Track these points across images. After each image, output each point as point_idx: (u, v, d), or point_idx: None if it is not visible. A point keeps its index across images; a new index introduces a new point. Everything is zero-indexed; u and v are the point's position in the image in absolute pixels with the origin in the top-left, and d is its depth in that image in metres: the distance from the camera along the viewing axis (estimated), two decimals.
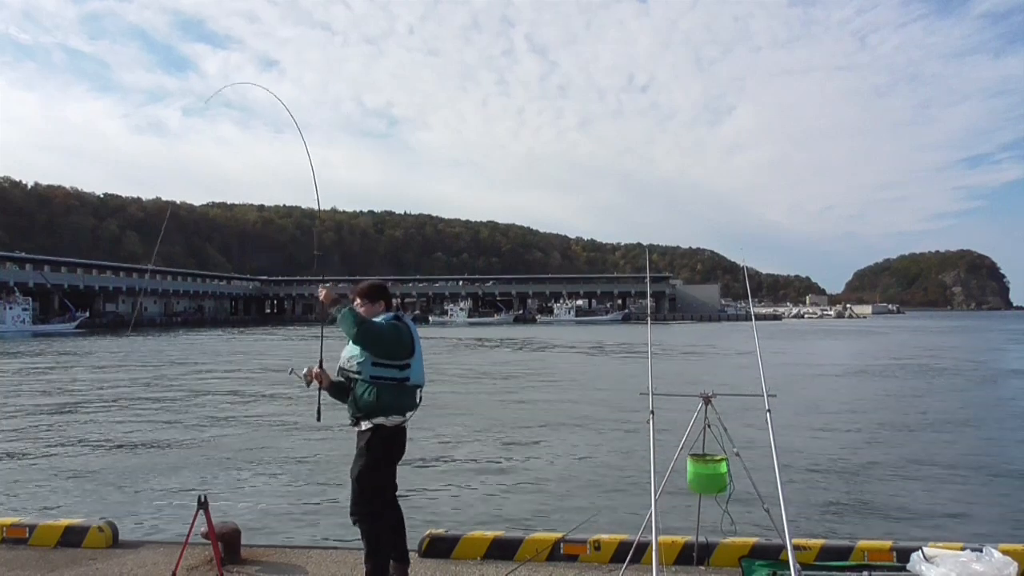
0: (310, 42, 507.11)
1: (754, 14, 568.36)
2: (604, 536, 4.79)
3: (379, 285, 4.29)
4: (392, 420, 3.90)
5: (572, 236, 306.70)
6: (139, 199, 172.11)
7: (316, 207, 4.90)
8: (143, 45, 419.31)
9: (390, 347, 3.90)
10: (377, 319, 4.03)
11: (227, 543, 4.67)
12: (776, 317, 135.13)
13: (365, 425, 3.92)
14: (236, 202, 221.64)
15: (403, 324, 4.02)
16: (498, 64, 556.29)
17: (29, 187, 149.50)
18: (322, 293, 4.01)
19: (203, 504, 4.32)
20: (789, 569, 3.38)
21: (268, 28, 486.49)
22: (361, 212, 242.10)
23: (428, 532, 4.99)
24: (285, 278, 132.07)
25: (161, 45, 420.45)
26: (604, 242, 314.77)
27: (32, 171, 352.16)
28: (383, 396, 3.88)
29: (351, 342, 3.94)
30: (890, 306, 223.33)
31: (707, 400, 4.22)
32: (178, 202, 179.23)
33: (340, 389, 4.08)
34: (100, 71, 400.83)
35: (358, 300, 4.18)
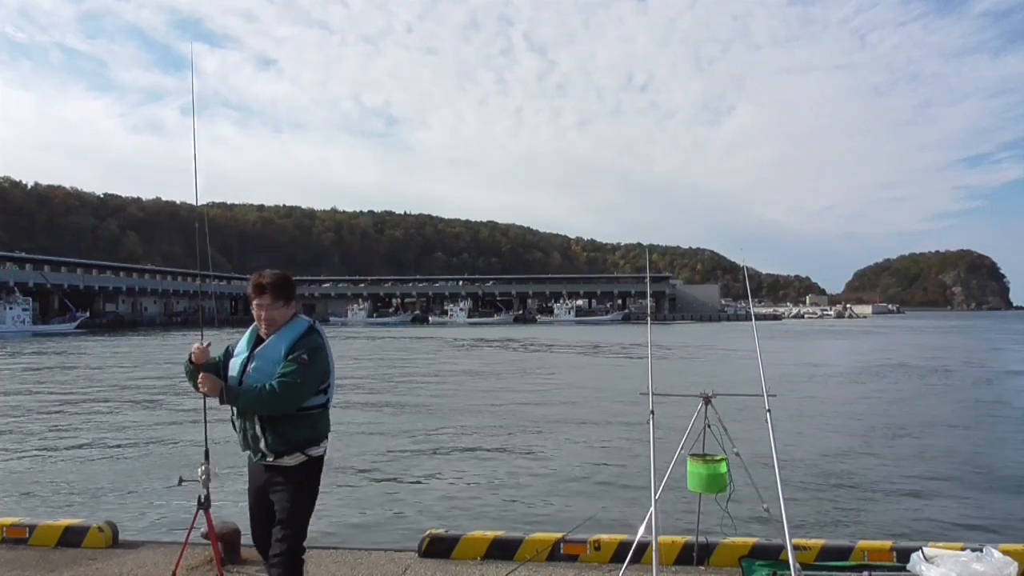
0: (308, 41, 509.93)
1: (753, 13, 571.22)
2: (604, 536, 4.79)
3: (291, 280, 3.49)
4: (323, 446, 3.54)
5: (572, 236, 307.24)
6: (139, 199, 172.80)
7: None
8: (140, 44, 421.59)
9: (321, 383, 3.43)
10: (293, 326, 3.42)
11: (227, 543, 4.66)
12: (776, 317, 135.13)
13: (293, 460, 3.40)
14: (236, 202, 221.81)
15: (320, 339, 3.42)
16: (497, 63, 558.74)
17: (29, 187, 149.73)
18: (203, 385, 3.30)
19: (203, 504, 4.30)
20: (789, 569, 3.38)
21: (266, 27, 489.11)
22: (361, 212, 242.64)
23: (428, 532, 4.99)
24: None
25: (159, 44, 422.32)
26: (604, 242, 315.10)
27: (32, 171, 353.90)
28: (318, 425, 3.47)
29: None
30: (890, 306, 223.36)
31: (707, 400, 4.23)
32: (178, 202, 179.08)
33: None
34: (97, 70, 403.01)
35: (266, 299, 3.36)
